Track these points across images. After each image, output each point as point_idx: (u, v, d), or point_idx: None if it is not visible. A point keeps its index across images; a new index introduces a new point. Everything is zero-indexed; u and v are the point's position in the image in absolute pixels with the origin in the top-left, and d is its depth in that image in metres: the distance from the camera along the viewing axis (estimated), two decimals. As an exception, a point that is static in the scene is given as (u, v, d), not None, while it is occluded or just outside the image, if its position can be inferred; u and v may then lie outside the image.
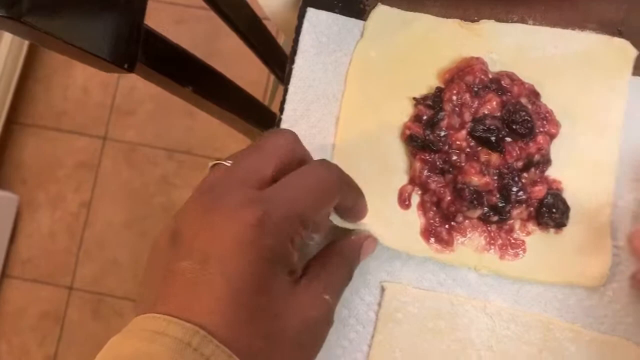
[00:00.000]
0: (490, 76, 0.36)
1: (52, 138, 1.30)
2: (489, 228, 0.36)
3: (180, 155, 1.27)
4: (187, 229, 0.27)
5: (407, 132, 0.36)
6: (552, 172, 0.36)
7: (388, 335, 0.36)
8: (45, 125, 1.31)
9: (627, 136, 0.37)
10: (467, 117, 0.36)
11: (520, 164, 0.35)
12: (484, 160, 0.35)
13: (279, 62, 0.56)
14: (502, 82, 0.36)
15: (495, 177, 0.35)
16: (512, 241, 0.36)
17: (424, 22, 0.39)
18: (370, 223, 0.35)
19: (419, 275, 0.37)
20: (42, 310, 1.24)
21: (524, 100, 0.36)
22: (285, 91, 0.38)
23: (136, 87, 1.29)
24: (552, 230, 0.36)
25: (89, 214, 1.26)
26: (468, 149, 0.36)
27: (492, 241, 0.36)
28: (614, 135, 0.37)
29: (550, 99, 0.37)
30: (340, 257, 0.32)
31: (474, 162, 0.35)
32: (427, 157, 0.36)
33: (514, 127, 0.35)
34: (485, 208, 0.35)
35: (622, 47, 0.38)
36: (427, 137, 0.36)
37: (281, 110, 0.38)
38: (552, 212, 0.35)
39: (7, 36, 1.21)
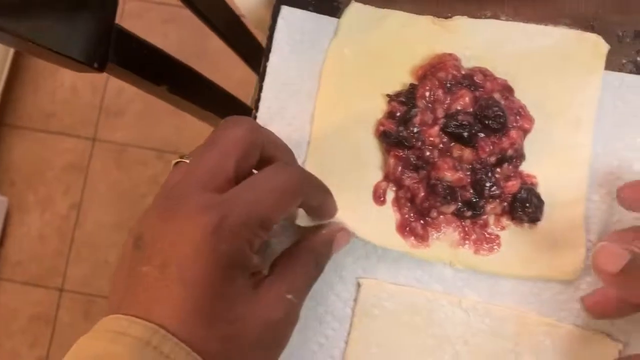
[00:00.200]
0: (463, 72, 0.36)
1: (40, 140, 1.30)
2: (463, 223, 0.36)
3: (170, 155, 1.27)
4: (148, 234, 0.28)
5: (381, 128, 0.37)
6: (526, 167, 0.37)
7: (364, 331, 0.36)
8: (33, 126, 1.31)
9: (600, 130, 0.37)
10: (440, 113, 0.36)
11: (493, 159, 0.35)
12: (456, 155, 0.36)
13: (260, 60, 0.56)
14: (475, 77, 0.36)
15: (469, 173, 0.35)
16: (487, 236, 0.36)
17: (397, 19, 0.39)
18: (345, 219, 0.36)
19: (394, 271, 0.37)
20: (33, 313, 1.23)
21: (497, 96, 0.36)
22: (260, 88, 0.38)
23: (125, 87, 1.29)
24: (526, 224, 0.36)
25: (78, 216, 1.26)
26: (441, 145, 0.36)
27: (467, 236, 0.36)
28: (587, 130, 0.37)
29: (524, 95, 0.37)
30: (308, 253, 0.32)
31: (447, 157, 0.36)
32: (401, 154, 0.36)
33: (486, 122, 0.35)
34: (459, 203, 0.36)
35: (594, 42, 0.38)
36: (400, 134, 0.36)
37: (256, 107, 0.38)
38: (525, 206, 0.35)
39: (-6, 38, 1.21)
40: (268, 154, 0.31)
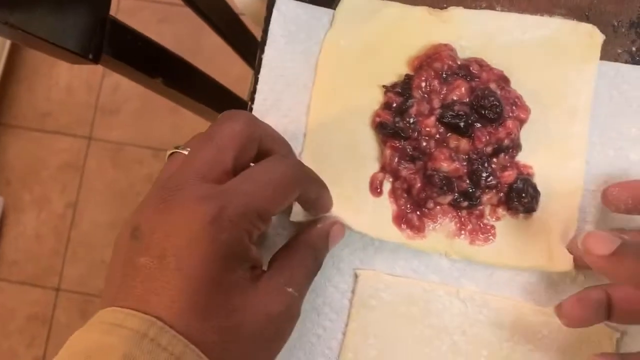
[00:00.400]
0: (458, 62, 0.36)
1: (36, 139, 1.29)
2: (459, 214, 0.36)
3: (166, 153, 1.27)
4: (146, 225, 0.27)
5: (377, 119, 0.37)
6: (522, 158, 0.37)
7: (362, 322, 0.36)
8: (28, 126, 1.30)
9: (595, 120, 0.37)
10: (436, 103, 0.36)
11: (489, 149, 0.35)
12: (453, 146, 0.36)
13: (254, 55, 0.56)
14: (471, 68, 0.36)
15: (465, 163, 0.35)
16: (482, 226, 0.36)
17: (392, 10, 0.39)
18: (342, 210, 0.36)
19: (391, 262, 0.37)
20: (29, 312, 1.23)
21: (493, 86, 0.36)
22: (256, 81, 0.38)
23: (120, 86, 1.29)
24: (521, 215, 0.36)
25: (75, 215, 1.26)
26: (437, 136, 0.36)
27: (463, 227, 0.36)
28: (583, 120, 0.37)
29: (519, 85, 0.37)
30: (306, 247, 0.32)
31: (443, 148, 0.36)
32: (397, 145, 0.36)
33: (482, 112, 0.35)
34: (456, 194, 0.36)
35: (589, 33, 0.38)
36: (396, 125, 0.36)
37: (252, 99, 0.38)
38: (521, 197, 0.35)
39: (-11, 37, 1.20)
40: (266, 147, 0.31)
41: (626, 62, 0.38)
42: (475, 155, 0.35)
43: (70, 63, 0.34)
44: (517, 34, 0.38)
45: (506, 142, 0.36)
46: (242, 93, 0.70)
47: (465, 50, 0.38)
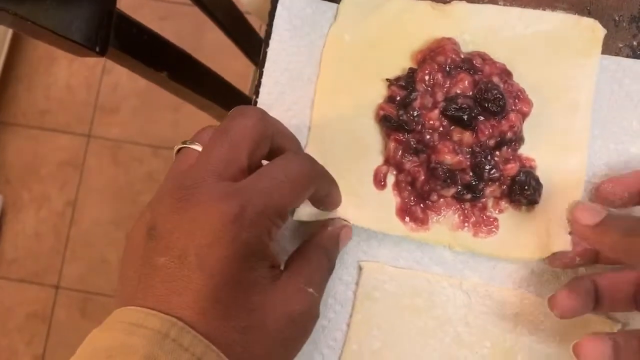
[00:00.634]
0: (462, 56, 0.37)
1: (35, 137, 1.29)
2: (462, 206, 0.36)
3: (166, 151, 1.27)
4: (164, 224, 0.27)
5: (381, 112, 0.37)
6: (525, 150, 0.37)
7: (366, 314, 0.36)
8: (28, 124, 1.30)
9: (596, 114, 0.37)
10: (440, 96, 0.36)
11: (492, 142, 0.36)
12: (456, 139, 0.36)
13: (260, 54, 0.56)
14: (474, 61, 0.37)
15: (468, 156, 0.36)
16: (485, 219, 0.36)
17: (396, 4, 0.39)
18: (346, 204, 0.36)
19: (395, 254, 0.37)
20: (29, 310, 1.23)
21: (495, 80, 0.36)
22: (260, 74, 0.38)
23: (120, 84, 1.29)
24: (524, 207, 0.36)
25: (74, 213, 1.26)
26: (441, 128, 0.36)
27: (466, 219, 0.36)
28: (585, 114, 0.37)
29: (522, 78, 0.37)
30: (320, 249, 0.32)
31: (446, 141, 0.36)
32: (401, 137, 0.36)
33: (486, 105, 0.35)
34: (459, 186, 0.36)
35: (591, 27, 0.38)
36: (400, 118, 0.36)
37: (256, 93, 0.38)
38: (524, 189, 0.36)
39: (-12, 35, 1.20)
40: (277, 143, 0.31)
41: (627, 56, 0.38)
42: (478, 148, 0.36)
43: (77, 55, 0.35)
44: (520, 28, 0.38)
45: (509, 135, 0.36)
46: (243, 90, 0.70)
47: (468, 44, 0.38)
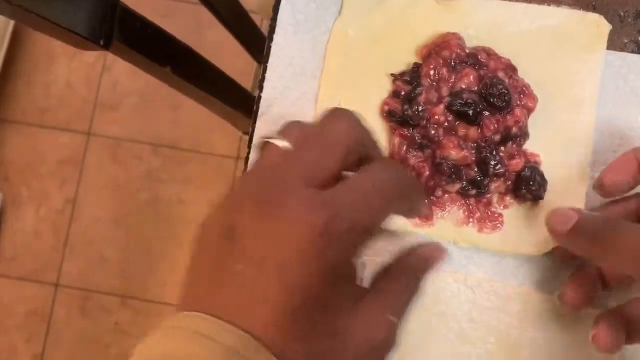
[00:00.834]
0: (467, 51, 0.37)
1: (35, 134, 1.29)
2: (467, 201, 0.36)
3: (166, 149, 1.26)
4: (244, 227, 0.25)
5: (386, 107, 0.37)
6: (529, 146, 0.37)
7: (370, 310, 0.36)
8: (27, 121, 1.30)
9: (601, 110, 0.37)
10: (445, 91, 0.36)
11: (497, 137, 0.36)
12: (461, 134, 0.36)
13: (262, 50, 0.56)
14: (479, 56, 0.36)
15: (473, 151, 0.36)
16: (490, 214, 0.36)
17: (400, -1, 0.39)
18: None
19: (400, 250, 0.37)
20: (28, 308, 1.23)
21: (501, 75, 0.36)
22: (264, 69, 0.38)
23: (119, 81, 1.28)
24: (529, 203, 0.36)
25: (74, 211, 1.25)
26: (446, 124, 0.36)
27: (471, 214, 0.36)
28: (589, 109, 0.37)
29: (526, 74, 0.37)
30: (409, 273, 0.29)
31: (451, 136, 0.36)
32: (406, 133, 0.36)
33: (491, 100, 0.35)
34: (464, 182, 0.36)
35: (596, 22, 0.38)
36: (405, 113, 0.36)
37: (260, 88, 0.38)
38: (529, 185, 0.36)
39: (-13, 32, 1.20)
40: (366, 152, 0.29)
41: (632, 52, 0.38)
42: (483, 144, 0.36)
43: (80, 49, 0.34)
44: (525, 24, 0.38)
45: (514, 130, 0.36)
46: (246, 86, 0.70)
47: (473, 39, 0.38)
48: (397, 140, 0.36)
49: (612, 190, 0.33)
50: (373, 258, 0.37)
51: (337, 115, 0.28)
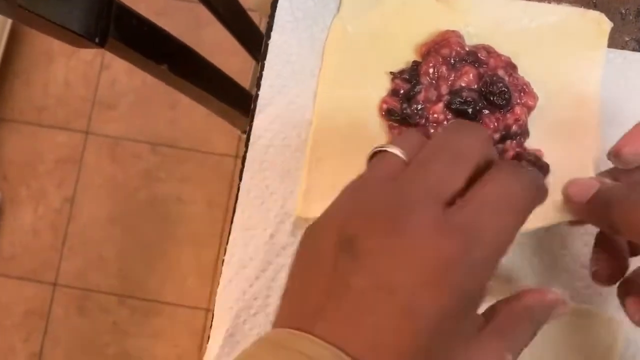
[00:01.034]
0: (466, 49, 0.36)
1: (33, 133, 1.29)
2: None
3: (164, 148, 1.26)
4: (367, 241, 0.23)
5: (385, 106, 0.36)
6: (530, 144, 0.36)
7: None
8: (25, 120, 1.29)
9: (603, 108, 0.37)
10: (444, 89, 0.36)
11: (497, 135, 0.35)
12: (461, 132, 0.35)
13: (260, 48, 0.56)
14: (479, 54, 0.36)
15: (473, 150, 0.35)
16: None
17: (399, -4, 0.38)
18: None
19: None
20: (26, 308, 1.22)
21: (501, 73, 0.36)
22: (262, 67, 0.38)
23: (118, 80, 1.28)
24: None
25: (72, 210, 1.25)
26: (445, 122, 0.35)
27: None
28: (592, 107, 0.37)
29: (527, 72, 0.37)
30: (531, 319, 0.27)
31: (451, 134, 0.35)
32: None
33: (491, 98, 0.35)
34: (464, 180, 0.35)
35: (597, 20, 0.38)
36: (404, 111, 0.36)
37: (258, 86, 0.38)
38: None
39: (-15, 30, 1.20)
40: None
41: (633, 50, 0.38)
42: (483, 142, 0.35)
43: (76, 47, 0.34)
44: (525, 21, 0.38)
45: (514, 128, 0.35)
46: (244, 85, 0.70)
47: (473, 37, 0.38)
48: (396, 138, 0.36)
49: (630, 160, 0.30)
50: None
51: (468, 128, 0.26)
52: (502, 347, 0.25)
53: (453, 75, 0.36)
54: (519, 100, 0.36)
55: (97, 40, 0.33)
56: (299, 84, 0.38)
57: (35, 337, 1.21)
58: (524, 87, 0.36)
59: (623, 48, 0.38)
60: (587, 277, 0.36)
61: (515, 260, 0.36)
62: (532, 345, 0.35)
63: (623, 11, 0.38)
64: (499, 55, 0.37)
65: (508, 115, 0.35)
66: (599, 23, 0.38)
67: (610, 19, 0.38)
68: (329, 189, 0.26)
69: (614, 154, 0.31)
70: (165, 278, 1.21)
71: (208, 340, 0.36)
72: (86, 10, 0.32)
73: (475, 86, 0.36)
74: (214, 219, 1.24)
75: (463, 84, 0.36)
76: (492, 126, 0.35)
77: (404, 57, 0.37)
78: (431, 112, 0.35)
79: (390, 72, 0.37)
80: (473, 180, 0.24)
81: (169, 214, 1.24)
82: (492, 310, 0.27)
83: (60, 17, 0.30)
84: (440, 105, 0.35)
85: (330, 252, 0.23)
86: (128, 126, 1.27)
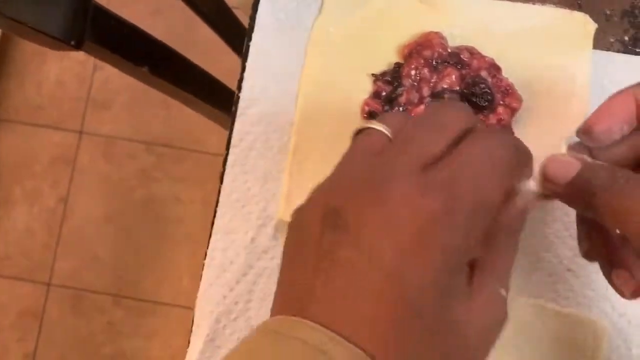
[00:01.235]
0: (449, 50, 0.36)
1: (27, 133, 1.28)
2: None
3: (159, 147, 1.26)
4: (351, 211, 0.22)
5: (366, 108, 0.36)
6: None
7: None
8: (19, 120, 1.29)
9: (588, 110, 0.37)
10: (426, 91, 0.35)
11: (480, 138, 0.35)
12: (443, 135, 0.35)
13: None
14: (462, 55, 0.36)
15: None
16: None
17: (382, -3, 0.38)
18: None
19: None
20: (21, 307, 1.22)
21: (483, 74, 0.36)
22: (243, 69, 0.38)
23: (111, 79, 1.28)
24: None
25: (66, 209, 1.25)
26: (427, 124, 0.35)
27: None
28: (579, 109, 0.37)
29: (512, 73, 0.37)
30: (511, 235, 0.25)
31: (433, 137, 0.35)
32: (387, 133, 0.36)
33: (473, 99, 0.35)
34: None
35: (582, 21, 0.37)
36: (386, 113, 0.35)
37: (239, 87, 0.38)
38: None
39: (-22, 29, 1.19)
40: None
41: (618, 51, 0.38)
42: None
43: (54, 50, 0.34)
44: (509, 23, 0.38)
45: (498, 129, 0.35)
46: (236, 85, 0.69)
47: (457, 38, 0.37)
48: (378, 141, 0.36)
49: (602, 138, 0.28)
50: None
51: (447, 103, 0.27)
52: (493, 283, 0.24)
53: (435, 77, 0.35)
54: (502, 102, 0.36)
55: (72, 43, 0.32)
56: (281, 86, 0.38)
57: (29, 337, 1.20)
58: (508, 88, 0.36)
59: (608, 49, 0.37)
60: (571, 281, 0.36)
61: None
62: (517, 350, 0.35)
63: (608, 12, 0.38)
64: (482, 57, 0.36)
65: (491, 116, 0.35)
66: (584, 24, 0.37)
67: (595, 20, 0.37)
68: (312, 191, 0.25)
69: (583, 131, 0.28)
70: (160, 278, 1.21)
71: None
72: (62, 13, 0.31)
73: (458, 88, 0.35)
74: (209, 219, 1.24)
75: (445, 86, 0.35)
76: (474, 128, 0.35)
77: (386, 58, 0.37)
78: (413, 114, 0.35)
79: (372, 74, 0.37)
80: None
81: (163, 214, 1.24)
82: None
83: (35, 20, 0.30)
84: (422, 107, 0.35)
85: (316, 229, 0.23)
86: (122, 126, 1.26)
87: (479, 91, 0.35)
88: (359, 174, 0.24)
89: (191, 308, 0.34)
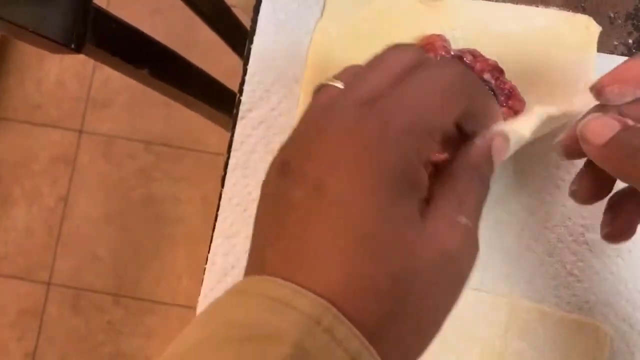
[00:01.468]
0: (452, 53, 0.36)
1: (26, 132, 1.28)
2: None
3: (159, 147, 1.25)
4: (297, 155, 0.24)
5: (369, 111, 0.36)
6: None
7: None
8: (19, 118, 1.29)
9: (591, 113, 0.36)
10: (429, 95, 0.35)
11: (483, 141, 0.35)
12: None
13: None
14: (465, 58, 0.35)
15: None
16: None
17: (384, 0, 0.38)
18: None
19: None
20: (20, 307, 1.22)
21: (486, 77, 0.35)
22: (244, 72, 0.37)
23: (111, 78, 1.27)
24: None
25: (66, 209, 1.25)
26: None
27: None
28: (582, 112, 0.36)
29: (515, 76, 0.36)
30: (468, 169, 0.25)
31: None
32: (389, 137, 0.35)
33: (476, 104, 0.34)
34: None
35: (585, 24, 0.37)
36: (388, 117, 0.35)
37: (240, 91, 0.37)
38: None
39: (-22, 28, 1.19)
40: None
41: (622, 54, 0.37)
42: (468, 148, 0.35)
43: (54, 53, 0.34)
44: (512, 25, 0.37)
45: (500, 134, 0.35)
46: (235, 87, 0.69)
47: (459, 40, 0.37)
48: (380, 145, 0.35)
49: (613, 99, 0.28)
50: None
51: (398, 47, 0.27)
52: (451, 213, 0.24)
53: (438, 80, 0.35)
54: (505, 104, 0.35)
55: (73, 46, 0.32)
56: (282, 89, 0.38)
57: (29, 336, 1.20)
58: (511, 91, 0.36)
59: (612, 52, 0.37)
60: (574, 286, 0.35)
61: (501, 266, 0.36)
62: (519, 355, 0.35)
63: (612, 15, 0.37)
64: (485, 59, 0.36)
65: (494, 121, 0.35)
66: (588, 27, 0.37)
67: (599, 22, 0.37)
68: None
69: (595, 91, 0.28)
70: (159, 277, 1.21)
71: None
72: (62, 16, 0.31)
73: (461, 91, 0.35)
74: (208, 218, 1.24)
75: (448, 90, 0.35)
76: (477, 132, 0.34)
77: (388, 61, 0.37)
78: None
79: (375, 77, 0.36)
80: None
81: (163, 213, 1.23)
82: (431, 187, 0.25)
83: (35, 24, 0.29)
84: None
85: (274, 183, 0.24)
86: (122, 125, 1.26)
87: (482, 95, 0.34)
88: (309, 126, 0.25)
89: (191, 307, 0.34)
